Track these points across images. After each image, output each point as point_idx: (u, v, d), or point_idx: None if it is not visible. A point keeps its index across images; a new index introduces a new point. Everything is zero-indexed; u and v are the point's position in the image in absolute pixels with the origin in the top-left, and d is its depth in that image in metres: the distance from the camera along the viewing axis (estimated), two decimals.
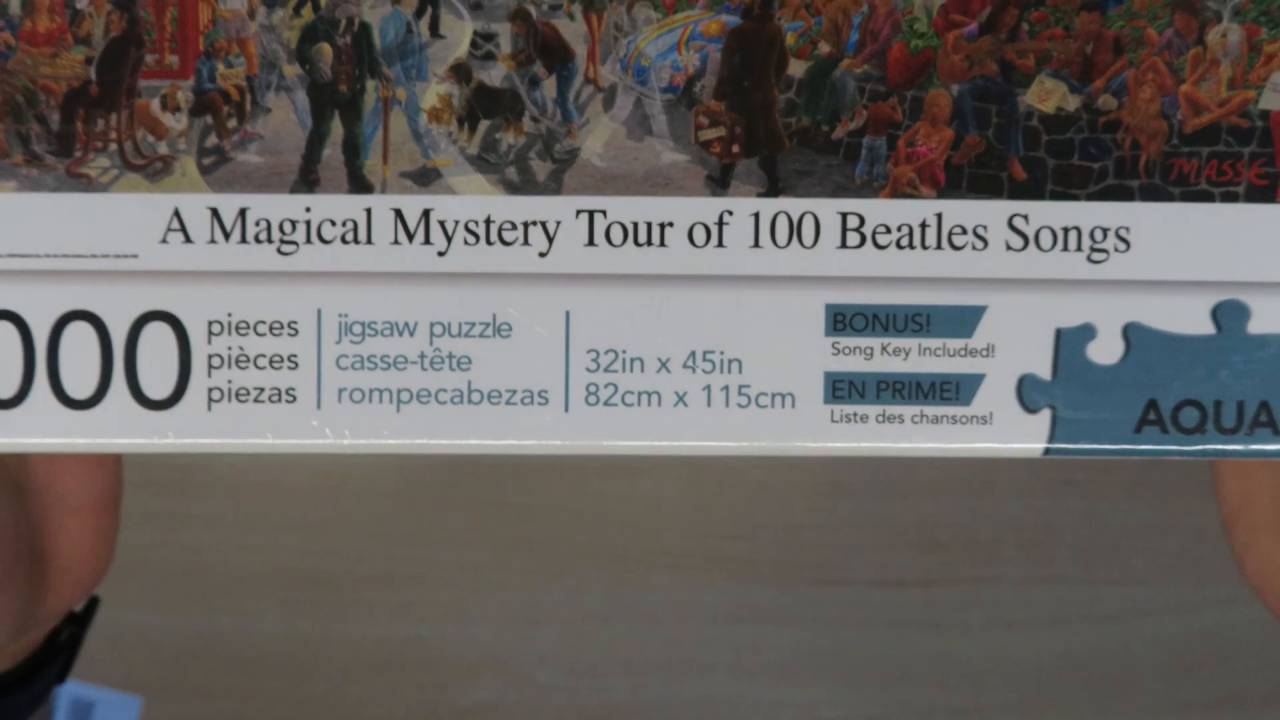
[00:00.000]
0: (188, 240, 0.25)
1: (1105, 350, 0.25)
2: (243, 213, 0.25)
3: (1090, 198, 0.25)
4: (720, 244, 0.25)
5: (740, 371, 0.25)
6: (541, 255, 0.25)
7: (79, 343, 0.25)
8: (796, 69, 0.25)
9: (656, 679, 0.61)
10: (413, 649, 0.62)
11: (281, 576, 0.62)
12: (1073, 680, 0.63)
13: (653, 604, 0.61)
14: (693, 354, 0.25)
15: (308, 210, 0.25)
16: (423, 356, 0.25)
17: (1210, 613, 0.64)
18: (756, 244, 0.25)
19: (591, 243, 0.25)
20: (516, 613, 0.61)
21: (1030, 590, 0.63)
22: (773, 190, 0.25)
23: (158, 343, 0.25)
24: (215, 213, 0.25)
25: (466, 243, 0.25)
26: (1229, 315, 0.25)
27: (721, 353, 0.25)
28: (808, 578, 0.62)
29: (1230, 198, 0.25)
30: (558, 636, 0.61)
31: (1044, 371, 0.25)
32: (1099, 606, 0.63)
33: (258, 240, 0.25)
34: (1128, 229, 0.25)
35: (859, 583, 0.62)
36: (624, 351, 0.25)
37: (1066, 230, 0.25)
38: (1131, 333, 0.25)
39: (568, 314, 0.25)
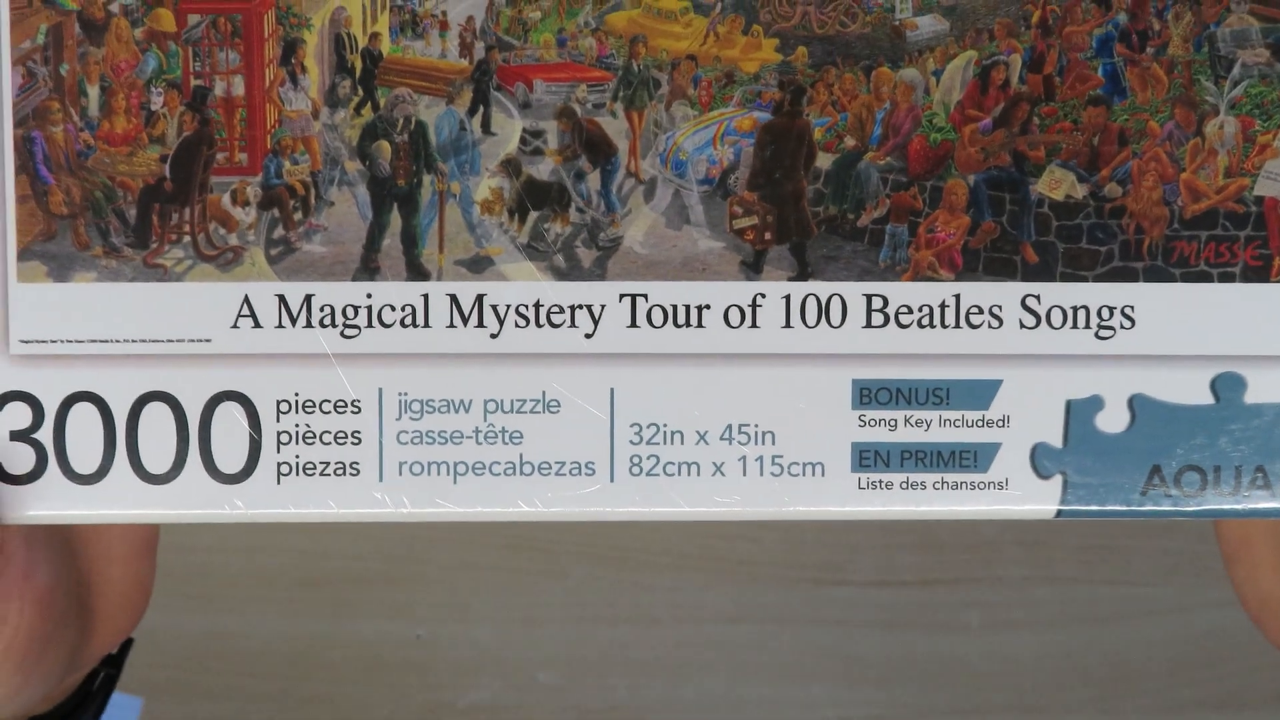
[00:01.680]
0: (257, 325, 0.28)
1: (1113, 420, 0.28)
2: (308, 299, 0.28)
3: (1097, 279, 0.27)
4: (754, 324, 0.28)
5: (773, 443, 0.28)
6: (588, 336, 0.28)
7: (156, 421, 0.28)
8: (824, 161, 0.28)
9: (656, 679, 0.63)
10: (413, 649, 0.64)
11: (281, 576, 0.63)
12: (1073, 680, 0.65)
13: (653, 604, 0.63)
14: (729, 427, 0.28)
15: (369, 296, 0.28)
16: (477, 431, 0.28)
17: (1210, 613, 0.65)
18: (788, 324, 0.28)
19: (634, 324, 0.28)
20: (516, 613, 0.63)
21: (1030, 590, 0.64)
22: (802, 274, 0.28)
23: (230, 421, 0.28)
24: (282, 299, 0.28)
25: (517, 325, 0.28)
26: (1227, 387, 0.27)
27: (756, 425, 0.28)
28: (808, 578, 0.64)
29: (1227, 278, 0.27)
30: (558, 636, 0.63)
31: (1055, 440, 0.28)
32: (1099, 606, 0.65)
33: (322, 324, 0.28)
34: (1132, 307, 0.28)
35: (859, 583, 0.64)
36: (665, 425, 0.28)
37: (1075, 309, 0.28)
38: (1137, 404, 0.28)
39: (612, 391, 0.28)
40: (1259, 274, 0.28)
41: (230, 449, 0.28)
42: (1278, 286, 0.27)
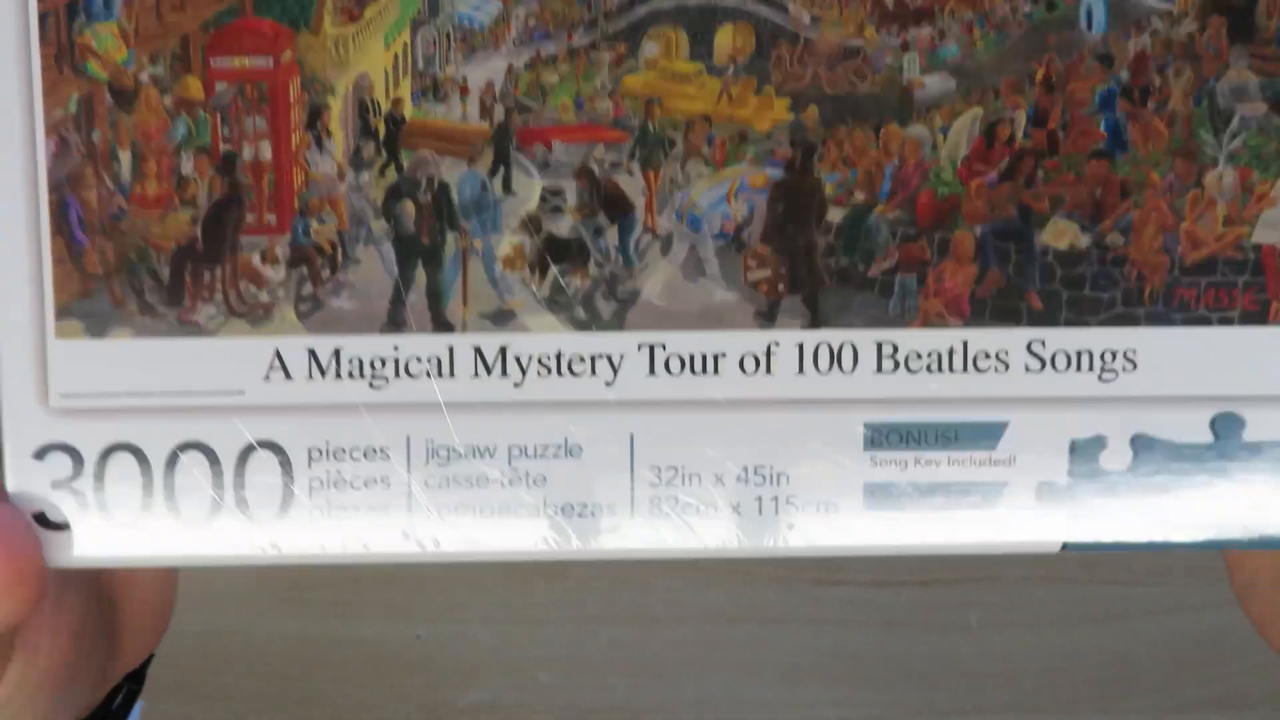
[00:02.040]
0: (288, 377, 0.29)
1: (1116, 458, 0.29)
2: (337, 352, 0.29)
3: (1101, 324, 0.29)
4: (768, 371, 0.29)
5: (788, 484, 0.29)
6: (608, 384, 0.29)
7: (192, 469, 0.29)
8: (835, 215, 0.29)
9: (655, 679, 0.64)
10: (413, 649, 0.65)
11: (281, 576, 0.64)
12: (1073, 680, 0.66)
13: (653, 604, 0.64)
14: (745, 469, 0.29)
15: (396, 349, 0.29)
16: (502, 475, 0.29)
17: (1210, 613, 0.65)
18: (801, 371, 0.29)
19: (652, 372, 0.29)
20: (516, 613, 0.64)
21: (1030, 590, 0.65)
22: (815, 323, 0.29)
23: (263, 468, 0.29)
24: (312, 353, 0.29)
25: (540, 375, 0.29)
26: (1226, 426, 0.29)
27: (771, 467, 0.29)
28: (808, 578, 0.65)
29: (1226, 321, 0.29)
30: (557, 636, 0.64)
31: (1060, 478, 0.29)
32: (1099, 606, 0.66)
33: (350, 376, 0.29)
34: (1135, 351, 0.29)
35: (859, 583, 0.65)
36: (683, 468, 0.29)
37: (1080, 353, 0.29)
38: (1139, 443, 0.29)
39: (632, 436, 0.29)
40: (1257, 318, 0.29)
41: (264, 494, 0.29)
42: (1275, 329, 0.29)
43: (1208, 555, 0.69)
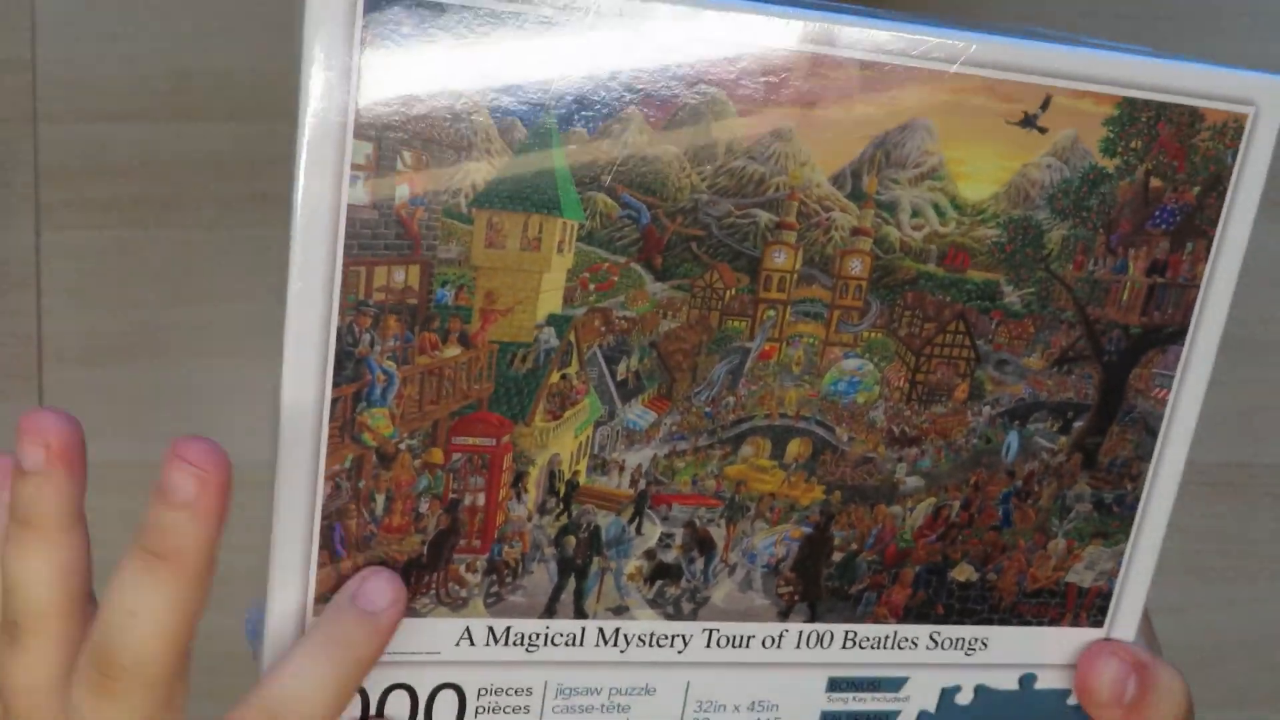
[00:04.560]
0: (472, 644, 0.39)
1: (964, 698, 0.44)
2: (507, 629, 0.39)
3: (973, 622, 0.43)
4: (779, 647, 0.42)
5: (777, 710, 0.42)
6: (679, 652, 0.41)
7: (398, 701, 0.39)
8: (837, 556, 0.41)
9: None
10: None
11: None
12: None
13: None
14: (754, 702, 0.42)
15: (547, 628, 0.39)
16: (603, 706, 0.41)
17: (1210, 613, 0.68)
18: (798, 646, 0.42)
19: (709, 646, 0.41)
20: None
21: None
22: (812, 619, 0.42)
23: (446, 701, 0.39)
24: (491, 629, 0.39)
25: (638, 646, 0.40)
26: (1026, 680, 0.44)
27: (769, 701, 0.42)
28: None
29: (1040, 622, 0.44)
30: None
31: (931, 708, 0.44)
32: None
33: (514, 644, 0.39)
34: (988, 638, 0.43)
35: None
36: (716, 700, 0.42)
37: (958, 639, 0.43)
38: (978, 690, 0.44)
39: (689, 683, 0.41)
40: (1055, 622, 0.44)
41: (445, 716, 0.39)
42: (1062, 629, 0.44)
43: (1208, 555, 0.69)
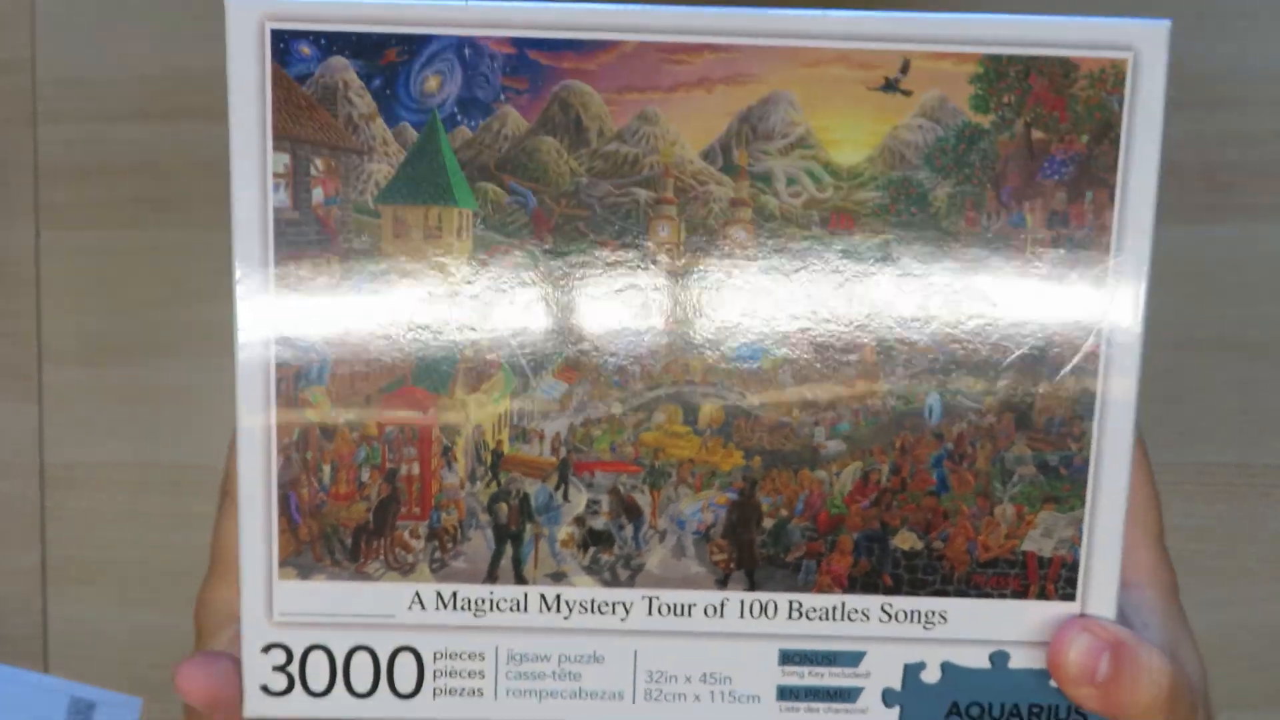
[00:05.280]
0: (423, 608, 0.42)
1: (931, 675, 0.43)
2: (454, 594, 0.42)
3: (926, 595, 0.43)
4: (721, 616, 0.42)
5: (731, 683, 0.43)
6: (622, 620, 0.42)
7: (361, 662, 0.42)
8: (767, 524, 0.42)
9: None
10: None
11: None
12: None
13: None
14: (705, 674, 0.43)
15: (491, 593, 0.42)
16: (554, 673, 0.43)
17: (1210, 613, 0.66)
18: (741, 616, 0.42)
19: (650, 614, 0.42)
20: None
21: None
22: (751, 588, 0.42)
23: (406, 663, 0.42)
24: (439, 594, 0.42)
25: (580, 613, 0.42)
26: (998, 658, 0.43)
27: (721, 673, 0.43)
28: None
29: (1003, 596, 0.43)
30: None
31: (896, 685, 0.43)
32: None
33: (461, 609, 0.42)
34: (946, 611, 0.43)
35: None
36: (667, 671, 0.43)
37: (912, 611, 0.43)
38: (945, 667, 0.43)
39: (636, 651, 0.43)
40: (1020, 595, 0.43)
41: (406, 679, 0.42)
42: (1030, 602, 0.43)
43: (1208, 556, 0.65)
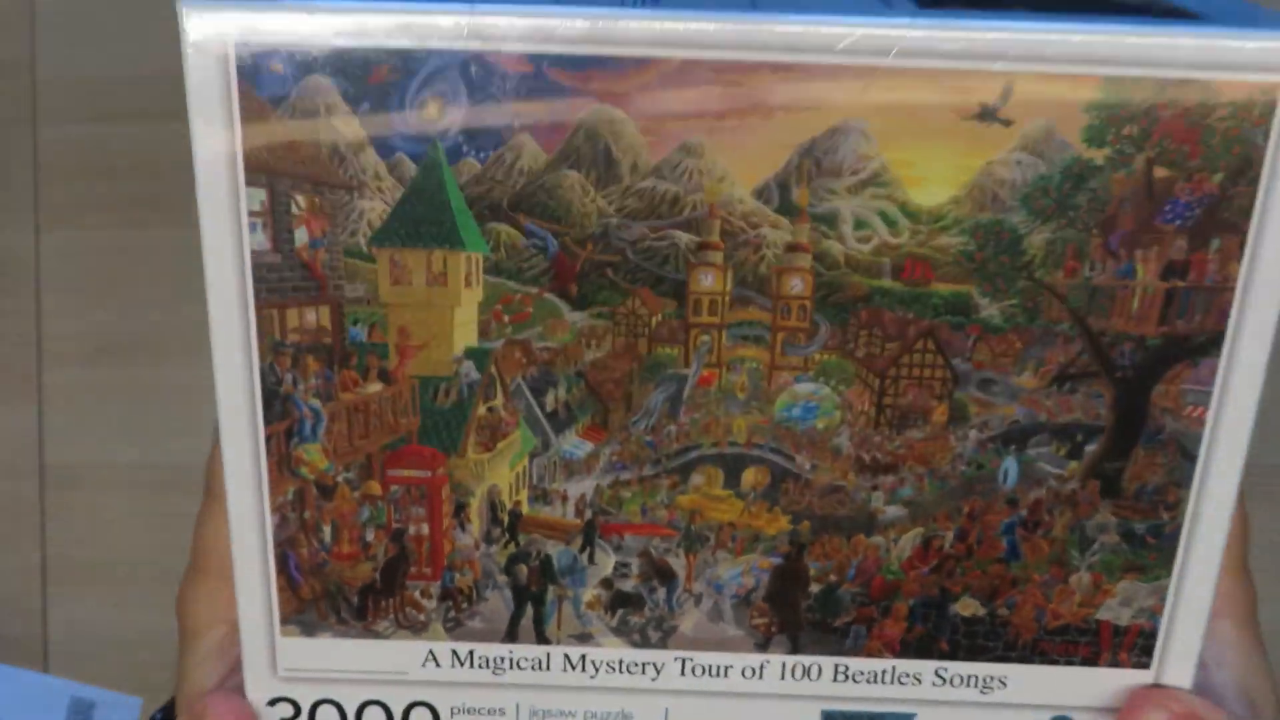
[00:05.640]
0: (437, 665, 0.39)
1: None
2: (471, 652, 0.38)
3: (986, 661, 0.39)
4: (760, 678, 0.39)
5: None
6: (652, 680, 0.39)
7: (374, 717, 0.39)
8: (814, 588, 0.38)
9: None
10: None
11: None
12: None
13: None
14: None
15: (511, 652, 0.38)
16: None
17: None
18: (782, 678, 0.39)
19: (683, 674, 0.39)
20: None
21: None
22: (794, 651, 0.38)
23: (422, 717, 0.39)
24: (454, 652, 0.38)
25: (607, 672, 0.39)
26: None
27: None
28: None
29: (1070, 662, 0.39)
30: None
31: None
32: None
33: (479, 667, 0.39)
34: (1006, 677, 0.39)
35: None
36: None
37: (969, 676, 0.39)
38: None
39: (667, 710, 0.39)
40: (1090, 662, 0.39)
41: None
42: (1100, 669, 0.39)
43: None
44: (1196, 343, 0.35)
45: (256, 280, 0.34)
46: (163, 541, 0.65)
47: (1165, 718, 0.37)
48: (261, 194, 0.33)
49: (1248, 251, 0.34)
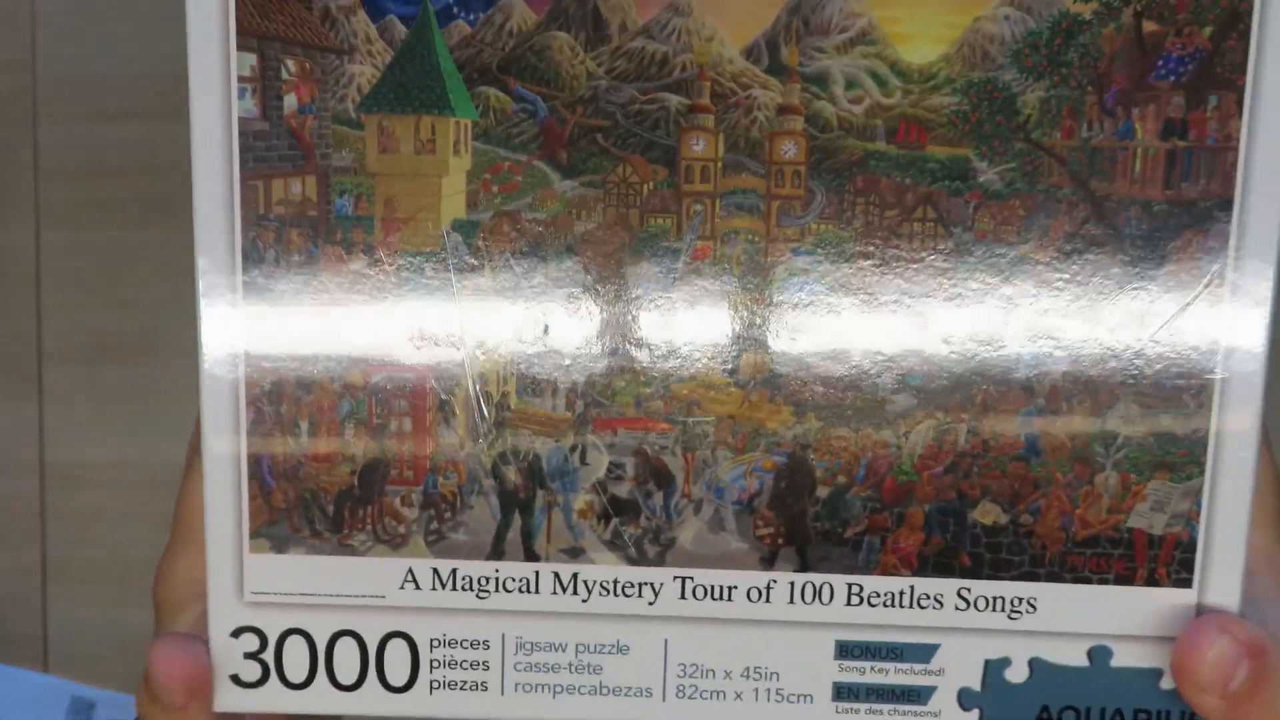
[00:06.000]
0: (417, 588, 0.36)
1: (1017, 674, 0.36)
2: (453, 571, 0.36)
3: (1012, 579, 0.36)
4: (767, 600, 0.36)
5: (778, 680, 0.36)
6: (650, 604, 0.36)
7: (346, 650, 0.36)
8: (822, 491, 0.35)
9: None
10: None
11: None
12: None
13: None
14: (748, 668, 0.36)
15: (497, 571, 0.36)
16: (570, 665, 0.36)
17: None
18: (791, 601, 0.36)
19: (683, 597, 0.36)
20: None
21: None
22: (803, 568, 0.36)
23: (398, 651, 0.36)
24: (435, 571, 0.36)
25: (600, 595, 0.36)
26: (1098, 655, 0.36)
27: (767, 667, 0.36)
28: None
29: (1104, 581, 0.35)
30: None
31: (976, 685, 0.36)
32: None
33: (463, 589, 0.36)
34: (1035, 599, 0.35)
35: None
36: (702, 664, 0.36)
37: (995, 598, 0.36)
38: (1035, 664, 0.36)
39: (666, 640, 0.36)
40: (1126, 580, 0.35)
41: (398, 670, 0.36)
42: (1138, 589, 0.35)
43: None
44: (1203, 206, 0.33)
45: (243, 149, 0.33)
46: (163, 541, 0.66)
47: (1230, 646, 0.33)
48: (252, 59, 0.33)
49: (1246, 108, 0.33)
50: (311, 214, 0.34)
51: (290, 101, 0.34)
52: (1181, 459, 0.34)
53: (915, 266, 0.34)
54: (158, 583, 0.38)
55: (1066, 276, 0.34)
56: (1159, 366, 0.34)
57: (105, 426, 0.68)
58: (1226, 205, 0.33)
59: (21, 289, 0.68)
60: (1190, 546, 0.35)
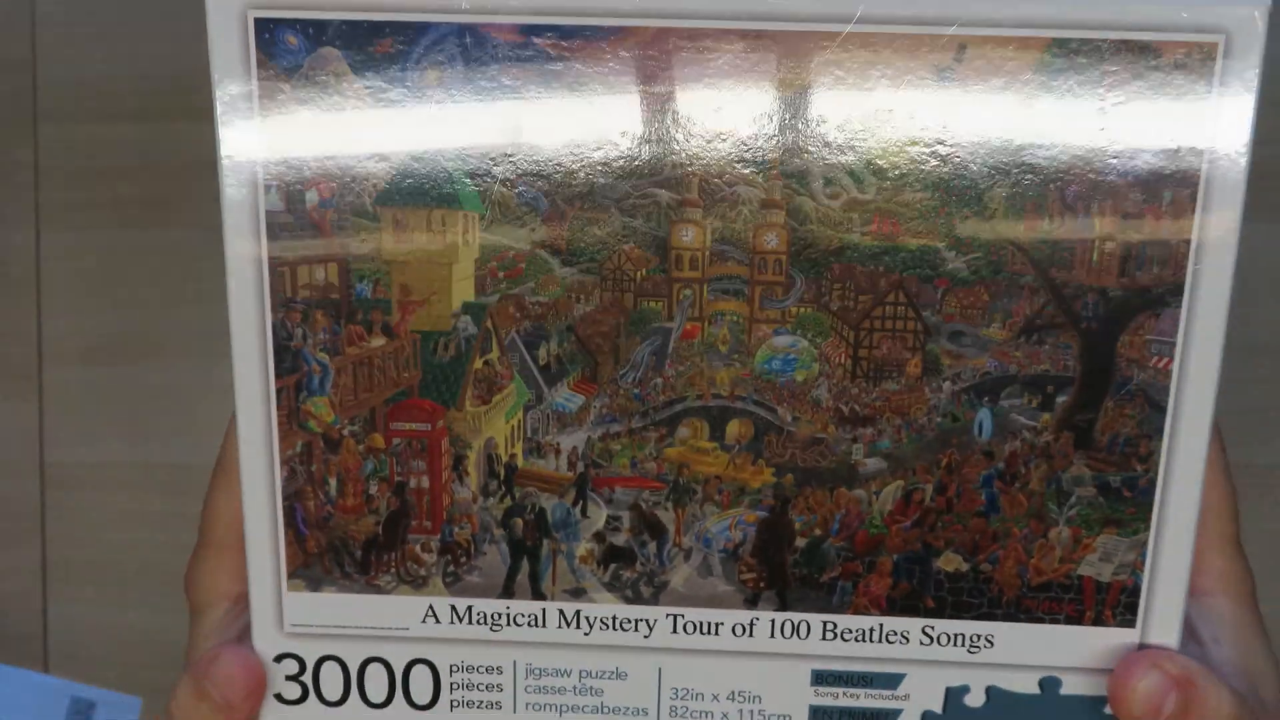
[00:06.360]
0: (437, 622, 0.40)
1: (975, 699, 0.40)
2: (469, 608, 0.40)
3: (972, 618, 0.39)
4: (751, 635, 0.40)
5: (761, 703, 0.40)
6: (645, 637, 0.40)
7: (376, 674, 0.40)
8: (800, 542, 0.39)
9: None
10: None
11: None
12: None
13: None
14: (733, 692, 0.40)
15: (508, 608, 0.40)
16: (575, 689, 0.40)
17: None
18: (772, 636, 0.40)
19: (675, 631, 0.40)
20: None
21: None
22: (783, 608, 0.39)
23: (421, 675, 0.40)
24: (453, 607, 0.40)
25: (601, 629, 0.40)
26: (1048, 684, 0.39)
27: (750, 692, 0.40)
28: None
29: (1055, 620, 0.39)
30: None
31: (937, 709, 0.40)
32: None
33: (477, 623, 0.40)
34: (993, 635, 0.39)
35: None
36: (692, 689, 0.40)
37: (956, 634, 0.39)
38: (991, 691, 0.40)
39: (660, 668, 0.40)
40: (1075, 620, 0.39)
41: (422, 690, 0.41)
42: (1086, 628, 0.39)
43: None
44: (1156, 294, 0.36)
45: (270, 238, 0.36)
46: (163, 541, 0.66)
47: (1159, 679, 0.37)
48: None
49: (1199, 202, 0.35)
50: (334, 297, 0.37)
51: (312, 196, 0.36)
52: (1129, 516, 0.38)
53: (886, 346, 0.37)
54: (188, 582, 0.42)
55: (1024, 356, 0.37)
56: (1110, 434, 0.37)
57: (105, 426, 0.67)
58: (1177, 291, 0.36)
59: (21, 289, 0.67)
60: (1135, 591, 0.38)
